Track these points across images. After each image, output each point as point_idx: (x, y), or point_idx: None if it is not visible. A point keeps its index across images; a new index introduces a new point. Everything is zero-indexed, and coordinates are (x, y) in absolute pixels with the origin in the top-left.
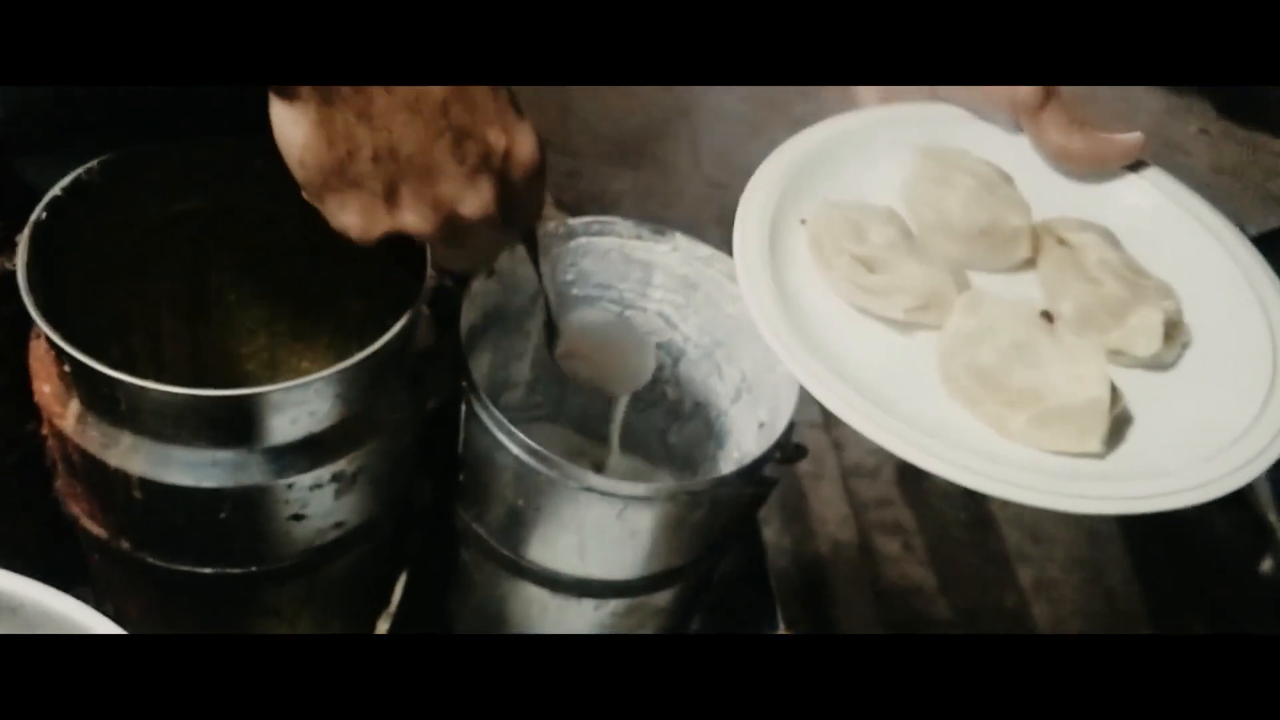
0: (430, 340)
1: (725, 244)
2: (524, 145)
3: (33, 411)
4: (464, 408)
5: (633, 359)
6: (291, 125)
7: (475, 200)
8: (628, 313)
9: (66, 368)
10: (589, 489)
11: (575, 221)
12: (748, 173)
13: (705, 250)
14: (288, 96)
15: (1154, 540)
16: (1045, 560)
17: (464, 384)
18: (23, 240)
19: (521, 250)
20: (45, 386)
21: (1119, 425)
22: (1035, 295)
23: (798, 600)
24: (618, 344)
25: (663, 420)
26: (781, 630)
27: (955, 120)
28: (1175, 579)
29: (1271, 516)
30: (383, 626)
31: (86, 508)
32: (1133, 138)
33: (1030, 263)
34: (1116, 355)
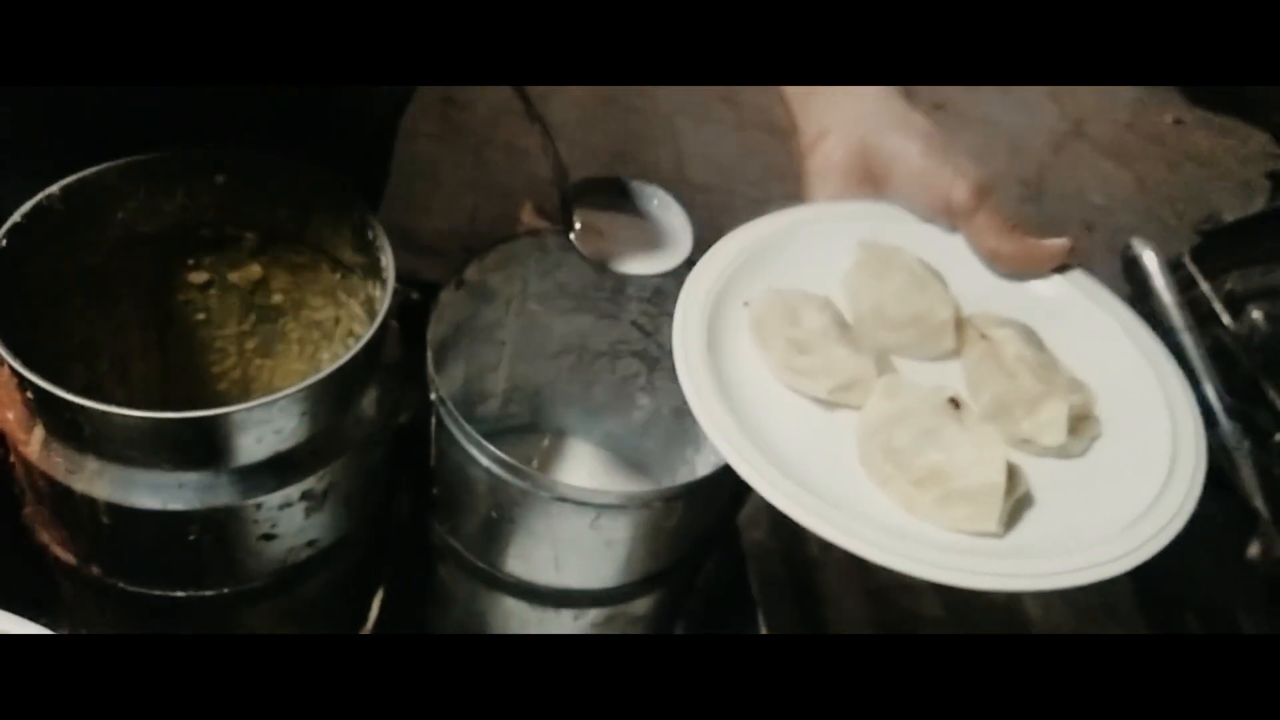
0: (399, 353)
1: (706, 247)
2: None
3: None
4: (434, 421)
5: (665, 236)
6: None
7: None
8: (603, 320)
9: (29, 394)
10: (562, 498)
11: (549, 236)
12: (729, 174)
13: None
14: None
15: None
16: None
17: (434, 398)
18: None
19: (490, 260)
20: (9, 413)
21: (1021, 508)
22: (958, 383)
23: (788, 601)
24: (646, 222)
25: (641, 426)
26: (763, 632)
27: (896, 218)
28: (1165, 569)
29: (1257, 502)
30: None
31: (55, 535)
32: (1060, 243)
33: (955, 353)
34: (1027, 444)
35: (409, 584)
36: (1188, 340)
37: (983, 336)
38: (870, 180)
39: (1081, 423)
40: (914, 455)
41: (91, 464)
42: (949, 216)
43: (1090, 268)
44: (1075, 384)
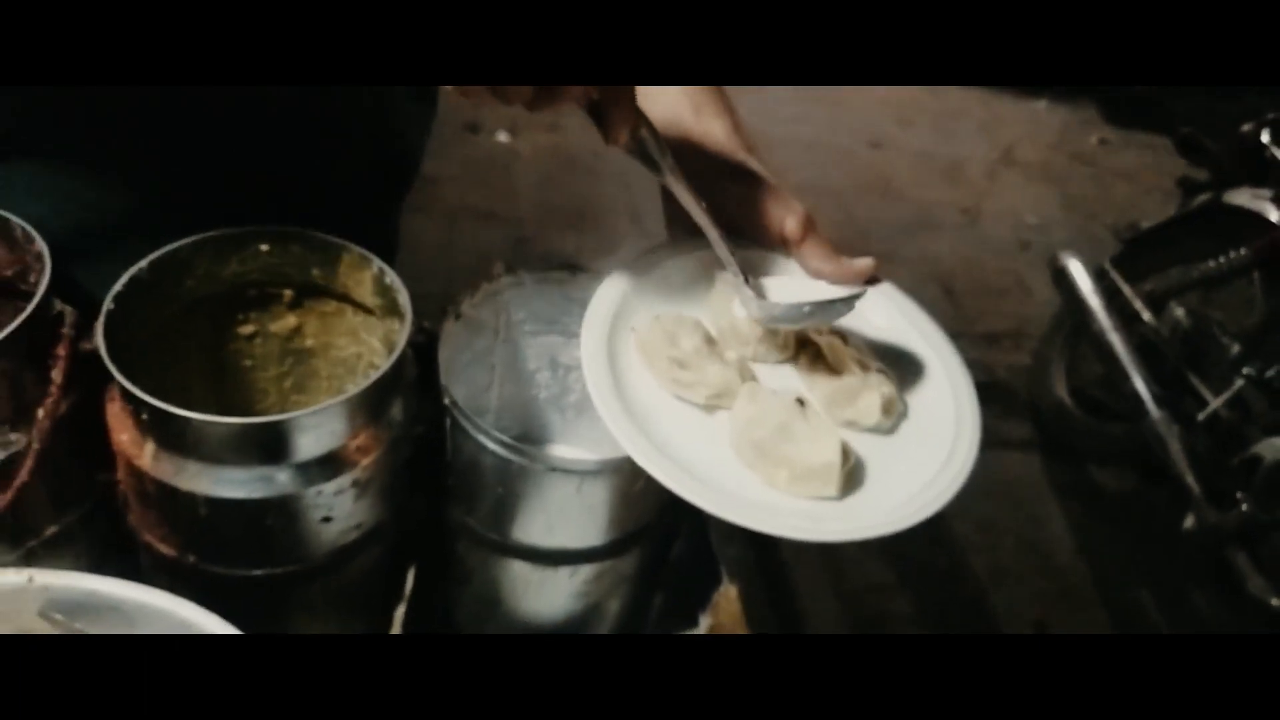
0: (413, 375)
1: None
2: None
3: (103, 464)
4: (449, 422)
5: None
6: None
7: None
8: (572, 339)
9: (144, 416)
10: (553, 468)
11: (522, 272)
12: None
13: None
14: None
15: (1093, 518)
16: (996, 549)
17: (447, 403)
18: (99, 325)
19: (479, 296)
20: (123, 435)
21: (854, 475)
22: (799, 381)
23: (767, 605)
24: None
25: None
26: (724, 584)
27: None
28: (1116, 550)
29: (1189, 479)
30: (399, 613)
31: (159, 532)
32: (866, 262)
33: (795, 356)
34: (852, 424)
35: (435, 559)
36: (1115, 339)
37: (814, 343)
38: (721, 216)
39: (890, 405)
40: (772, 446)
41: (193, 466)
42: (783, 244)
43: (1028, 282)
44: (884, 377)
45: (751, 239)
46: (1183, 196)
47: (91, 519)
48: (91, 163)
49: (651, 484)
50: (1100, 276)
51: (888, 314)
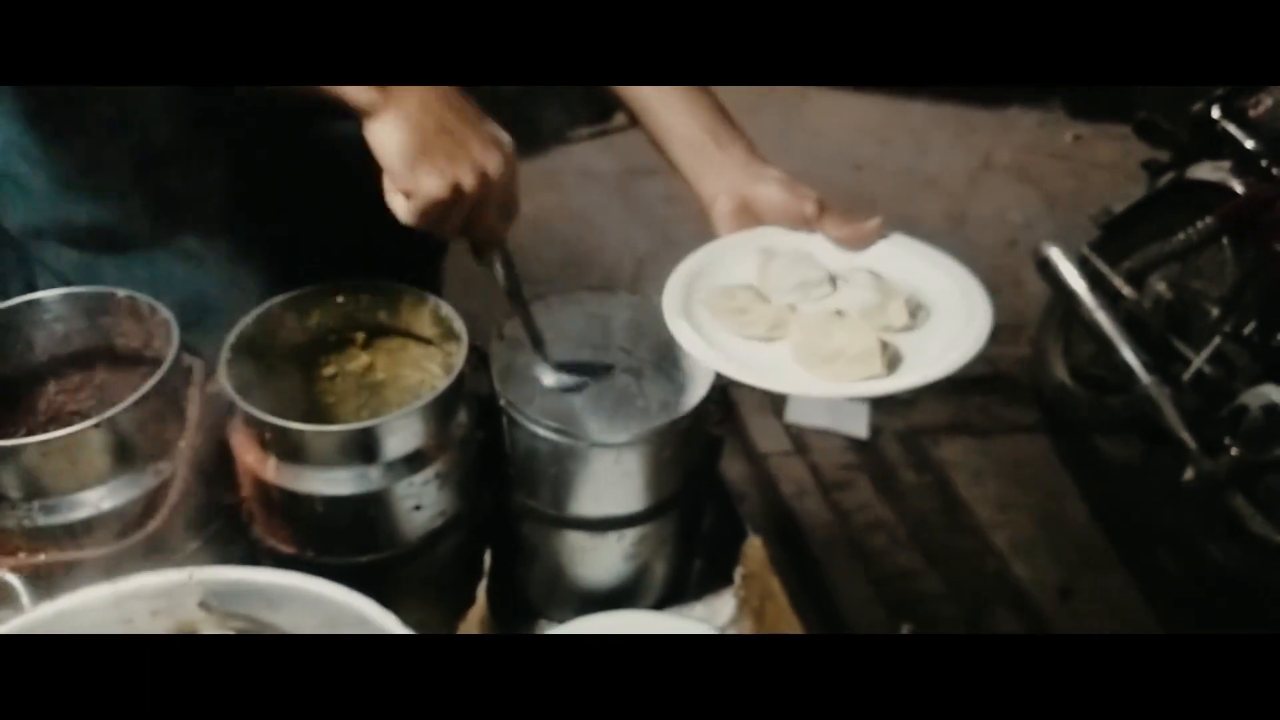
0: (471, 387)
1: None
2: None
3: (229, 487)
4: (506, 421)
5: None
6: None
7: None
8: (598, 350)
9: (267, 435)
10: (594, 444)
11: (551, 297)
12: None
13: (637, 298)
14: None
15: (1104, 486)
16: (1016, 524)
17: (503, 404)
18: (222, 369)
19: (516, 319)
20: (248, 456)
21: (894, 361)
22: (839, 308)
23: (804, 594)
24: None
25: (638, 412)
26: (750, 536)
27: (778, 234)
28: (1128, 513)
29: (1183, 434)
30: (481, 588)
31: (282, 534)
32: (875, 221)
33: (829, 294)
34: (887, 329)
35: (506, 539)
36: (1102, 318)
37: (845, 280)
38: (753, 216)
39: (916, 310)
40: (825, 345)
41: (308, 472)
42: (806, 225)
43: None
44: (905, 293)
45: (783, 225)
46: (1149, 178)
47: (223, 534)
48: (195, 250)
49: (677, 453)
50: (1082, 262)
51: (902, 253)
